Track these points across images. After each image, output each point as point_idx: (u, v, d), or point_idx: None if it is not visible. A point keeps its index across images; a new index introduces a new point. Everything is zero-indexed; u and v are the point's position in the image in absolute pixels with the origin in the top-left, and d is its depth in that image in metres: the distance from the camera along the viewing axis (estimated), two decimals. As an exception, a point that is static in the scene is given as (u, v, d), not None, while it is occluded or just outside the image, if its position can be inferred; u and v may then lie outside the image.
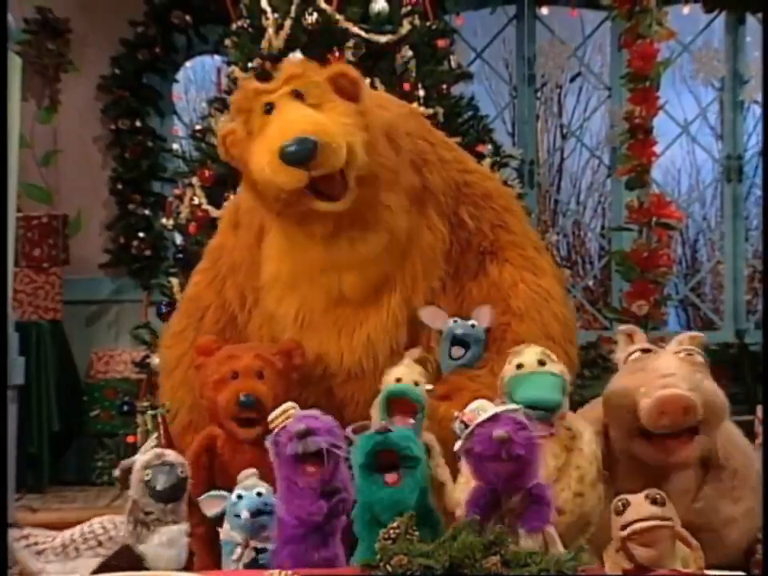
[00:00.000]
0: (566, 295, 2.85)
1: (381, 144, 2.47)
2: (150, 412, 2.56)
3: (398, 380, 2.28)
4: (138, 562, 2.07)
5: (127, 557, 2.08)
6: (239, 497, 2.07)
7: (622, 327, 2.41)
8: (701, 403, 2.13)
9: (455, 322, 2.54)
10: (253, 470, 2.14)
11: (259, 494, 2.05)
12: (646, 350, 2.29)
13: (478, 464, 1.83)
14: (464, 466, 1.98)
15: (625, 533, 1.83)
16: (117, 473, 2.28)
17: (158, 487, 2.13)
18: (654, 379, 2.16)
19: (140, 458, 2.20)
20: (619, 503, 1.88)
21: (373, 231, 2.49)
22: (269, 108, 2.40)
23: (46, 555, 2.21)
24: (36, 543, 2.23)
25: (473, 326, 2.55)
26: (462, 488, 2.04)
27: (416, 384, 2.27)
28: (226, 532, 2.09)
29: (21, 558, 2.20)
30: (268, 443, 2.01)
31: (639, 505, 1.86)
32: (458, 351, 2.54)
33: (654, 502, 1.87)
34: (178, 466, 2.17)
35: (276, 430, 2.00)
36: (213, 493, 2.17)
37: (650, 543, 1.84)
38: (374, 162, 2.42)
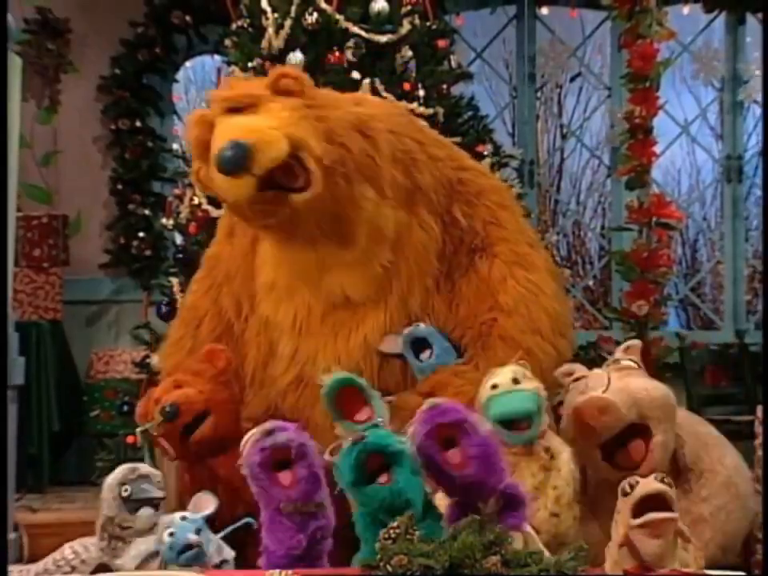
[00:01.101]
0: (560, 289, 2.82)
1: (348, 136, 2.43)
2: (139, 429, 2.55)
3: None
4: None
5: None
6: (171, 534, 2.06)
7: (560, 369, 2.41)
8: (627, 400, 2.13)
9: (405, 332, 2.53)
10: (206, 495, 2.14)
11: (183, 518, 2.05)
12: (578, 379, 2.31)
13: (429, 455, 1.81)
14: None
15: (634, 521, 1.83)
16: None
17: (134, 497, 2.12)
18: (574, 398, 2.19)
19: (110, 477, 2.20)
20: (626, 484, 1.88)
21: (354, 224, 2.48)
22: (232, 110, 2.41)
23: None
24: None
25: (417, 325, 2.54)
26: (441, 502, 2.03)
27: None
28: None
29: None
30: (243, 470, 2.01)
31: (648, 481, 1.87)
32: (425, 354, 2.53)
33: (661, 481, 1.88)
34: (154, 477, 2.18)
35: (245, 447, 1.99)
36: (201, 494, 2.17)
37: (657, 534, 1.84)
38: (339, 152, 2.39)
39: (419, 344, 2.52)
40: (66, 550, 2.22)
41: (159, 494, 2.16)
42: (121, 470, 2.20)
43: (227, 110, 2.38)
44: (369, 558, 1.72)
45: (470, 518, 1.75)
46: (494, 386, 2.16)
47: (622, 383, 2.20)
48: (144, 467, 2.22)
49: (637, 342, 2.39)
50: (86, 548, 2.17)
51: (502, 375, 2.17)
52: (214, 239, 2.95)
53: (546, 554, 1.80)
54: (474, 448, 1.80)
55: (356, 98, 2.80)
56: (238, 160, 2.22)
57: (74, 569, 2.14)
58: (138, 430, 2.54)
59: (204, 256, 2.95)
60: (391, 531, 1.69)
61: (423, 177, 2.62)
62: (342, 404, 2.11)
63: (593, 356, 5.25)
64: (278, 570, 1.63)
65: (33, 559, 2.35)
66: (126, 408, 5.19)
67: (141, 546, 2.10)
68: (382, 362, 2.52)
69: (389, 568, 1.61)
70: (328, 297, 2.56)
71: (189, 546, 2.01)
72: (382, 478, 1.89)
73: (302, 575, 1.66)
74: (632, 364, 2.29)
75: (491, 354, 2.49)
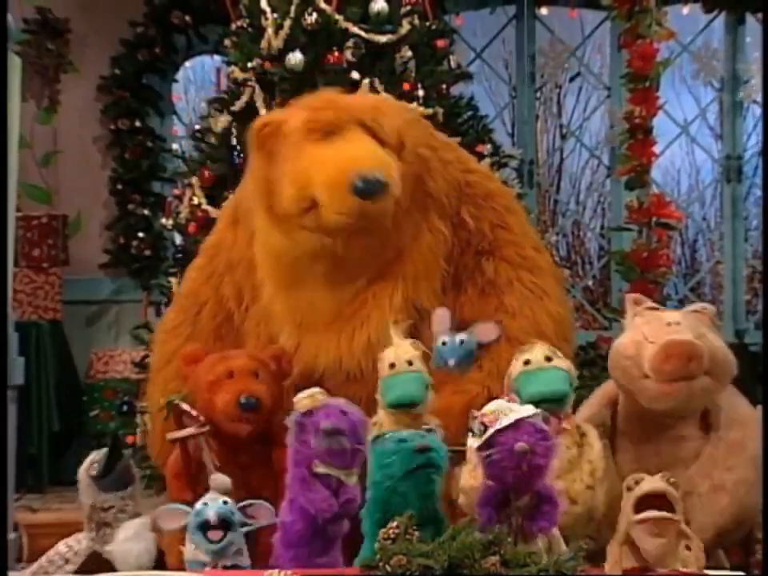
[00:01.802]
0: (564, 294, 2.85)
1: (406, 185, 2.53)
2: (166, 401, 2.53)
3: (392, 365, 2.25)
4: (107, 564, 2.06)
5: (95, 563, 2.07)
6: (204, 504, 2.03)
7: (631, 294, 2.43)
8: (707, 354, 2.14)
9: (445, 340, 2.53)
10: (224, 477, 2.12)
11: (225, 503, 2.02)
12: (652, 308, 2.30)
13: (494, 469, 1.81)
14: (473, 457, 1.97)
15: (635, 517, 1.82)
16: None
17: (101, 468, 2.13)
18: (660, 328, 2.18)
19: (81, 468, 2.21)
20: (632, 480, 1.89)
21: (373, 236, 2.50)
22: (333, 128, 2.43)
23: None
24: None
25: (461, 342, 2.53)
26: (467, 476, 2.04)
27: (410, 363, 2.23)
28: (190, 552, 2.02)
29: None
30: (289, 423, 1.99)
31: (651, 479, 1.87)
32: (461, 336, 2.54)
33: (667, 481, 1.88)
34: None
35: (300, 411, 1.97)
36: (172, 506, 2.11)
37: (657, 532, 1.84)
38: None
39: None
40: (60, 545, 2.25)
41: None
42: (92, 456, 2.21)
43: (363, 125, 2.46)
44: (368, 558, 1.72)
45: (470, 518, 1.76)
46: (527, 362, 2.16)
47: (700, 330, 2.21)
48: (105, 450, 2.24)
49: (712, 308, 2.39)
50: (78, 541, 2.22)
51: (535, 352, 2.17)
52: (214, 227, 2.96)
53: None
54: (540, 456, 1.81)
55: (376, 101, 2.82)
56: (376, 192, 2.37)
57: (67, 561, 2.18)
58: (168, 399, 2.50)
59: (203, 244, 2.96)
60: (390, 531, 1.69)
61: (436, 183, 2.65)
62: None
63: (592, 356, 5.25)
64: (276, 570, 1.63)
65: (32, 559, 2.36)
66: (125, 408, 5.19)
67: (129, 530, 2.10)
68: None
69: (388, 568, 1.61)
70: (327, 289, 2.56)
71: (206, 522, 1.99)
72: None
73: (301, 575, 1.66)
74: (708, 316, 2.31)
75: (495, 355, 2.49)
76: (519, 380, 2.15)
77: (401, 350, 2.26)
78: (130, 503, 2.13)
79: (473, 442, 1.86)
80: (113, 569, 2.04)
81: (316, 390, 2.03)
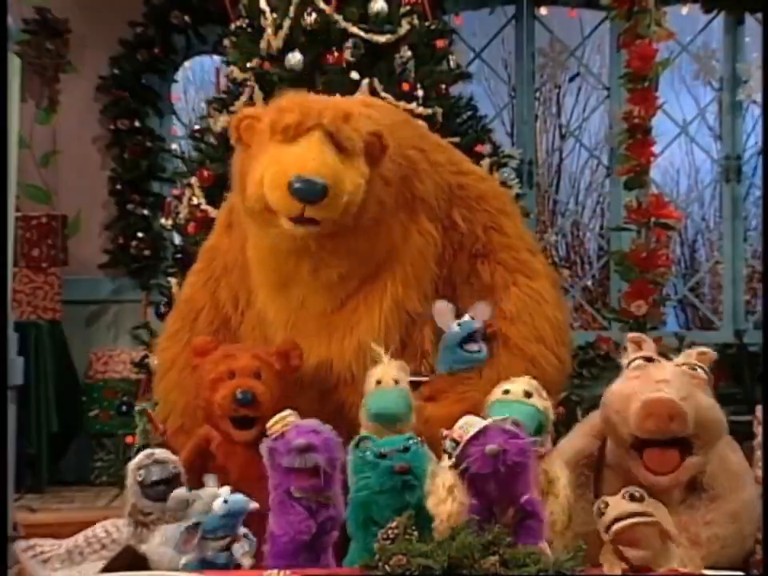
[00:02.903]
0: (560, 297, 2.83)
1: (378, 183, 2.49)
2: (137, 408, 2.54)
3: (378, 382, 2.25)
4: (141, 562, 2.07)
5: (129, 557, 2.08)
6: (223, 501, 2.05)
7: (632, 335, 2.38)
8: (692, 415, 2.09)
9: (464, 320, 2.52)
10: (211, 477, 2.13)
11: (225, 501, 2.04)
12: (648, 359, 2.26)
13: (475, 481, 1.81)
14: (447, 480, 1.96)
15: (608, 536, 1.83)
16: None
17: (151, 480, 2.14)
18: (647, 384, 2.15)
19: (131, 462, 2.21)
20: (600, 504, 1.89)
21: (355, 236, 2.50)
22: (300, 129, 2.41)
23: (52, 563, 2.23)
24: (42, 552, 2.25)
25: (468, 320, 2.54)
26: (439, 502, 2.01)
27: (396, 382, 2.23)
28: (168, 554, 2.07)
29: (29, 569, 2.22)
30: (263, 449, 2.00)
31: (618, 503, 1.87)
32: (473, 346, 2.52)
33: (632, 498, 1.87)
34: (170, 463, 2.18)
35: (273, 437, 1.99)
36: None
37: (636, 543, 1.84)
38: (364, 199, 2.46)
39: (470, 337, 2.52)
40: (98, 528, 2.25)
41: (166, 475, 2.17)
42: (139, 456, 2.22)
43: (327, 132, 2.42)
44: (368, 558, 1.72)
45: (469, 518, 1.76)
46: (506, 392, 2.16)
47: (690, 390, 2.15)
48: (161, 452, 2.24)
49: (712, 353, 2.33)
50: (117, 528, 2.20)
51: (516, 385, 2.17)
52: (212, 231, 2.95)
53: None
54: (514, 454, 1.81)
55: (364, 103, 2.80)
56: (312, 197, 2.33)
57: (103, 546, 2.18)
58: (137, 409, 2.51)
59: (201, 248, 2.95)
60: (390, 531, 1.69)
61: (424, 186, 2.63)
62: None
63: (591, 356, 5.26)
64: (275, 570, 1.63)
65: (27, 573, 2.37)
66: (124, 408, 5.19)
67: (167, 532, 2.11)
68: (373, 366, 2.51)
69: (387, 568, 1.61)
70: (314, 293, 2.56)
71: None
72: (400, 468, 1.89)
73: (300, 575, 1.66)
74: (703, 375, 2.25)
75: (495, 362, 2.49)
76: (493, 407, 2.15)
77: (388, 369, 2.26)
78: (170, 514, 2.13)
79: (446, 464, 1.86)
80: (145, 566, 2.05)
81: (286, 413, 2.04)
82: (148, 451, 2.24)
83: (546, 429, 2.16)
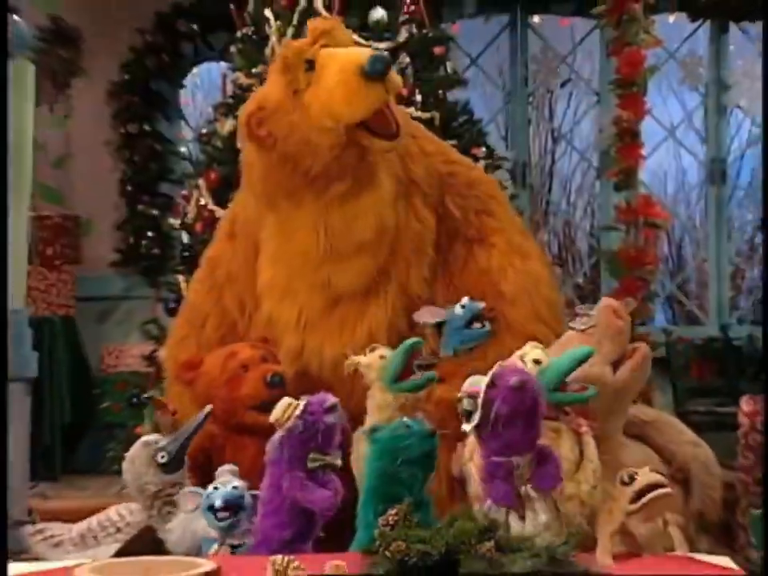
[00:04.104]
0: (553, 277, 2.83)
1: (388, 164, 2.49)
2: (145, 396, 2.54)
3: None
4: (158, 545, 2.06)
5: (148, 539, 2.07)
6: (215, 488, 2.04)
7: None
8: None
9: (466, 302, 2.51)
10: (228, 466, 2.12)
11: (235, 487, 2.03)
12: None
13: (498, 429, 1.80)
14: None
15: (635, 505, 1.83)
16: None
17: (171, 456, 2.13)
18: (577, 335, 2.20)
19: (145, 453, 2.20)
20: (625, 475, 1.87)
21: (366, 214, 2.47)
22: (309, 65, 2.39)
23: (64, 546, 2.20)
24: (52, 536, 2.22)
25: (463, 306, 2.52)
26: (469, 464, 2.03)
27: (382, 357, 2.24)
28: (202, 528, 2.05)
29: (40, 553, 2.19)
30: (273, 444, 1.98)
31: (647, 472, 1.87)
32: (477, 324, 2.51)
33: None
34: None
35: (285, 426, 1.97)
36: (191, 489, 2.14)
37: (651, 518, 1.84)
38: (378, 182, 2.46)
39: (474, 317, 2.51)
40: (111, 512, 2.22)
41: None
42: (151, 444, 2.21)
43: (324, 46, 2.39)
44: (368, 544, 1.72)
45: (466, 506, 1.76)
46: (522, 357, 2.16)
47: None
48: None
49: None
50: (130, 512, 2.19)
51: (529, 352, 2.16)
52: (213, 240, 2.93)
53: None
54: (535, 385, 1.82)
55: None
56: (382, 69, 2.27)
57: (118, 530, 2.17)
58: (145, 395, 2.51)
59: (204, 257, 2.93)
60: (390, 518, 1.68)
61: (417, 169, 2.61)
62: None
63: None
64: (279, 556, 1.63)
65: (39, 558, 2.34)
66: (135, 400, 5.18)
67: (186, 521, 2.10)
68: (392, 345, 2.50)
69: (387, 553, 1.60)
70: (323, 291, 2.54)
71: (211, 507, 2.00)
72: None
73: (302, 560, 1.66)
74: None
75: (499, 343, 2.47)
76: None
77: (371, 354, 2.27)
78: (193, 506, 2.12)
79: (467, 425, 1.85)
80: (161, 548, 2.04)
81: (287, 401, 2.02)
82: (153, 437, 2.23)
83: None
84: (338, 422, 1.93)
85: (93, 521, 2.24)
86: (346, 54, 2.35)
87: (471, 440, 1.99)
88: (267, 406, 2.34)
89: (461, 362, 2.45)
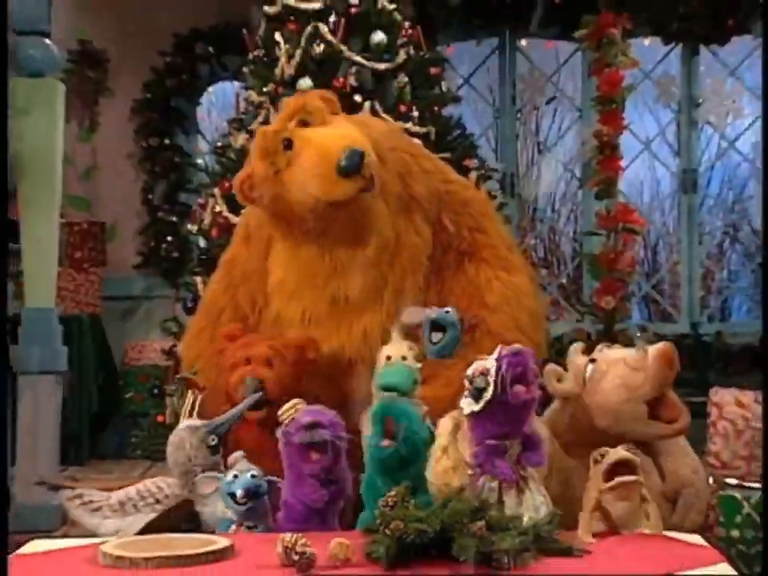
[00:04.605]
0: (537, 290, 2.82)
1: (390, 182, 2.49)
2: (178, 376, 2.52)
3: (388, 357, 2.24)
4: (194, 518, 2.05)
5: (185, 510, 2.06)
6: (235, 476, 2.03)
7: (575, 345, 2.37)
8: None
9: (430, 311, 2.52)
10: (240, 453, 2.11)
11: (253, 476, 2.02)
12: (592, 360, 2.24)
13: (508, 404, 1.81)
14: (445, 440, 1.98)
15: (606, 485, 1.82)
16: None
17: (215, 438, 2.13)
18: (641, 360, 2.16)
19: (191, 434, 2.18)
20: (597, 454, 1.87)
21: (367, 238, 2.48)
22: (287, 144, 2.39)
23: (102, 512, 2.14)
24: (91, 501, 2.18)
25: (446, 311, 2.52)
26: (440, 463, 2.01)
27: (404, 358, 2.21)
28: (220, 510, 2.05)
29: (78, 517, 2.17)
30: (278, 434, 1.99)
31: (616, 451, 1.86)
32: (436, 336, 2.50)
33: (627, 450, 1.87)
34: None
35: (285, 422, 1.98)
36: (208, 474, 2.12)
37: (626, 497, 1.84)
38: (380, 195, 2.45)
39: (435, 326, 2.50)
40: (149, 483, 2.18)
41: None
42: (197, 426, 2.19)
43: (300, 122, 2.39)
44: (370, 523, 1.72)
45: (458, 488, 1.76)
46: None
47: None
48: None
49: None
50: (168, 485, 2.14)
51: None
52: (231, 244, 2.94)
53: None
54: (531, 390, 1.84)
55: (362, 120, 2.81)
56: (356, 165, 2.26)
57: (157, 501, 2.11)
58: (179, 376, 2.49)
59: (222, 258, 2.94)
60: (389, 499, 1.68)
61: (417, 187, 2.61)
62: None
63: (566, 345, 5.22)
64: (289, 534, 1.62)
65: (75, 523, 2.31)
66: (156, 391, 5.19)
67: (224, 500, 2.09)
68: (378, 350, 2.50)
69: (387, 532, 1.60)
70: (329, 297, 2.55)
71: (233, 495, 2.00)
72: (385, 442, 1.87)
73: (309, 538, 1.66)
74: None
75: (478, 348, 2.47)
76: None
77: (398, 347, 2.26)
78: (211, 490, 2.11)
79: (475, 405, 1.85)
80: (197, 519, 2.03)
81: (295, 401, 2.03)
82: (197, 421, 2.21)
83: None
84: (311, 440, 1.91)
85: (131, 490, 2.19)
86: (321, 143, 2.33)
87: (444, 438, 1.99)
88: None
89: (440, 364, 2.45)
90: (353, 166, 2.26)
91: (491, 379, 1.82)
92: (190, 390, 2.47)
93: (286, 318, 2.61)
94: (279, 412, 2.00)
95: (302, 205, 2.38)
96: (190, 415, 2.28)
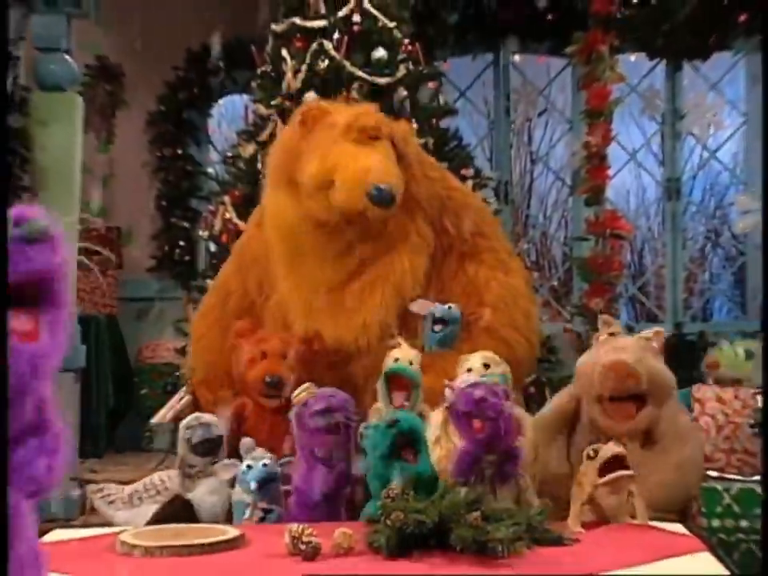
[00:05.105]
0: (532, 292, 2.84)
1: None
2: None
3: (396, 360, 2.26)
4: (188, 507, 2.07)
5: (179, 502, 2.08)
6: (249, 467, 2.04)
7: (604, 316, 2.37)
8: (644, 373, 2.10)
9: (436, 306, 2.54)
10: (250, 441, 2.13)
11: (265, 465, 2.03)
12: (612, 334, 2.26)
13: (460, 421, 1.82)
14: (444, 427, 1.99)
15: (601, 480, 1.82)
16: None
17: (194, 441, 2.13)
18: (609, 351, 2.15)
19: (183, 421, 2.21)
20: (590, 450, 1.87)
21: (371, 236, 2.50)
22: (374, 136, 2.44)
23: (116, 504, 2.24)
24: (109, 494, 2.26)
25: (449, 307, 2.54)
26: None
27: (410, 363, 2.25)
28: (237, 494, 2.08)
29: (98, 507, 2.24)
30: (291, 416, 2.00)
31: (608, 446, 1.86)
32: (438, 327, 2.52)
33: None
34: (213, 425, 2.18)
35: (299, 404, 1.98)
36: (225, 461, 2.16)
37: (617, 490, 1.84)
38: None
39: (438, 321, 2.52)
40: (155, 476, 2.27)
41: (209, 435, 2.16)
42: (188, 418, 2.21)
43: (372, 136, 2.49)
44: (372, 514, 1.72)
45: (454, 481, 1.76)
46: (469, 370, 2.16)
47: (642, 355, 2.14)
48: (206, 416, 2.23)
49: (662, 330, 2.30)
50: (169, 477, 2.21)
51: (474, 360, 2.17)
52: (245, 231, 2.98)
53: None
54: (493, 421, 1.82)
55: (405, 126, 2.82)
56: (386, 203, 2.42)
57: (158, 492, 2.19)
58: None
59: (235, 245, 2.98)
60: (391, 491, 1.69)
61: (419, 191, 2.63)
62: (393, 384, 2.15)
63: (557, 344, 5.24)
64: (296, 525, 1.63)
65: (93, 511, 2.40)
66: (169, 388, 5.18)
67: (209, 486, 2.11)
68: (376, 341, 2.51)
69: (389, 522, 1.61)
70: (333, 289, 2.55)
71: (266, 480, 2.02)
72: (408, 455, 1.86)
73: (314, 529, 1.66)
74: (654, 345, 2.23)
75: (474, 343, 2.48)
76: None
77: (406, 351, 2.27)
78: (212, 469, 2.12)
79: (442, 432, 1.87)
80: (192, 510, 2.05)
81: (307, 384, 2.04)
82: (196, 414, 2.23)
83: (508, 387, 2.16)
84: (324, 424, 1.92)
85: (139, 484, 2.28)
86: (369, 165, 2.42)
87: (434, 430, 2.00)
88: (270, 393, 2.39)
89: (436, 356, 2.46)
90: (380, 199, 2.38)
91: (452, 398, 1.84)
92: (183, 389, 2.49)
93: (290, 305, 2.62)
94: (293, 396, 2.01)
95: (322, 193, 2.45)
96: (176, 416, 2.31)
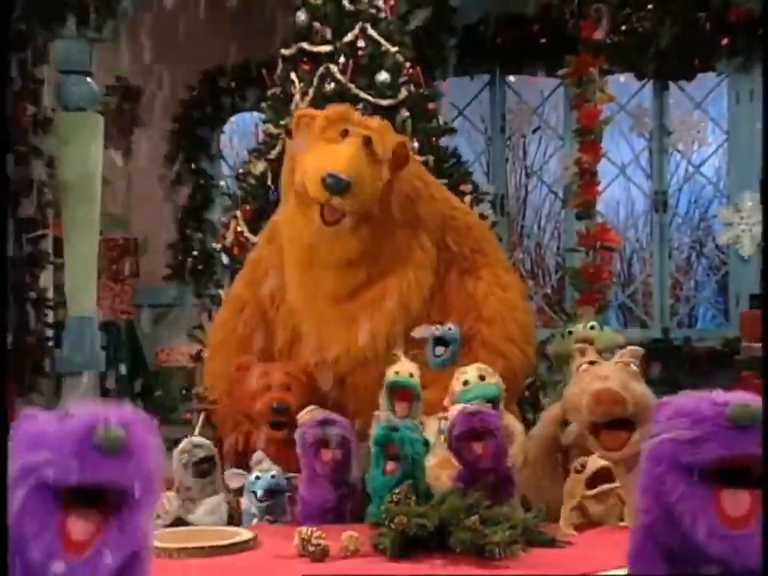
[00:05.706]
0: (528, 306, 2.84)
1: (398, 200, 2.49)
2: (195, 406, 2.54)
3: (397, 373, 2.26)
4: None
5: (181, 524, 2.07)
6: (257, 477, 2.03)
7: (577, 345, 2.35)
8: (630, 399, 2.08)
9: (436, 327, 2.53)
10: (260, 453, 2.12)
11: (273, 476, 2.03)
12: (592, 362, 2.24)
13: (459, 444, 1.82)
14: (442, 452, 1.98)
15: (590, 491, 1.81)
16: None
17: (190, 464, 2.12)
18: (594, 380, 2.13)
19: (176, 449, 2.19)
20: (578, 464, 1.87)
21: (376, 252, 2.50)
22: (345, 133, 2.42)
23: None
24: None
25: (449, 328, 2.53)
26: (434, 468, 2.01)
27: (411, 375, 2.25)
28: (245, 504, 2.07)
29: None
30: (296, 436, 2.00)
31: (594, 459, 1.86)
32: (440, 350, 2.51)
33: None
34: (205, 446, 2.17)
35: (303, 424, 1.99)
36: (234, 470, 2.16)
37: (604, 499, 1.84)
38: (386, 211, 2.46)
39: (439, 341, 2.51)
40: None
41: (202, 455, 2.15)
42: (182, 443, 2.20)
43: (365, 137, 2.46)
44: (377, 518, 1.72)
45: (456, 487, 1.76)
46: (466, 383, 2.16)
47: (626, 381, 2.09)
48: (197, 439, 2.22)
49: (640, 349, 2.24)
50: (169, 500, 2.15)
51: (470, 373, 2.16)
52: (256, 245, 2.98)
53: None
54: (491, 447, 1.82)
55: (385, 124, 2.81)
56: (337, 190, 2.34)
57: (158, 516, 2.13)
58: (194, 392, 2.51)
59: (247, 259, 2.98)
60: (394, 496, 1.69)
61: (424, 210, 2.64)
62: (396, 396, 2.15)
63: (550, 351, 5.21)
64: (305, 527, 1.63)
65: None
66: (183, 391, 5.17)
67: (207, 506, 2.10)
68: (382, 352, 2.50)
69: (392, 525, 1.61)
70: (340, 302, 2.54)
71: (255, 493, 2.01)
72: (389, 467, 1.86)
73: (323, 531, 1.66)
74: (634, 369, 2.19)
75: (474, 357, 2.48)
76: (459, 396, 2.14)
77: (406, 365, 2.28)
78: (209, 489, 2.10)
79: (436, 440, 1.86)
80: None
81: (313, 406, 2.05)
82: (190, 438, 2.22)
83: (501, 397, 2.17)
84: (324, 435, 1.92)
85: None
86: (336, 152, 2.40)
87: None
88: (276, 424, 2.38)
89: (439, 372, 2.45)
90: (331, 186, 2.32)
91: (444, 436, 1.84)
92: (199, 409, 2.48)
93: (300, 313, 2.62)
94: (298, 417, 2.01)
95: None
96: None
